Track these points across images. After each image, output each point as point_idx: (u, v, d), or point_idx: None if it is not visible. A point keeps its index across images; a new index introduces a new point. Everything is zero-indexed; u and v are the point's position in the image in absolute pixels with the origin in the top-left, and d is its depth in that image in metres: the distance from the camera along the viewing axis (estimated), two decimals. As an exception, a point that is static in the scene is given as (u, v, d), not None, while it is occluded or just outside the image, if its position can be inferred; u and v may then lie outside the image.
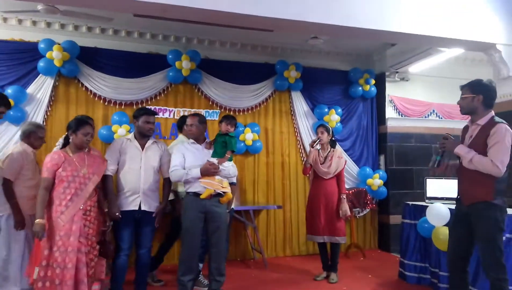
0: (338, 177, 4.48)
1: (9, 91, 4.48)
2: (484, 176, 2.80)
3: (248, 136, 5.47)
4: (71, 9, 4.21)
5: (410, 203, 4.55)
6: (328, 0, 3.87)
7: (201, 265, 4.12)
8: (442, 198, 4.33)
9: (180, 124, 4.38)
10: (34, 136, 3.52)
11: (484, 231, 2.80)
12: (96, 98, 5.05)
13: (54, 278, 2.86)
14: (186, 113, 5.29)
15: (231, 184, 3.77)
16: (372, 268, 5.01)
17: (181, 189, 3.98)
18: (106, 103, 5.09)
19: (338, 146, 4.76)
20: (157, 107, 5.19)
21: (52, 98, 4.88)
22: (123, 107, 5.14)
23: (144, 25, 5.14)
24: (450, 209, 3.71)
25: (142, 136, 3.62)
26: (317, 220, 4.41)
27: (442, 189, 4.47)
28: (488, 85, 2.94)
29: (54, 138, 3.87)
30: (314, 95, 5.95)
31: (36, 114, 4.73)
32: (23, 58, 4.74)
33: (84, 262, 2.97)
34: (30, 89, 4.72)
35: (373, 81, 6.07)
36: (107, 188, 3.44)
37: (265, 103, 5.79)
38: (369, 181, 5.84)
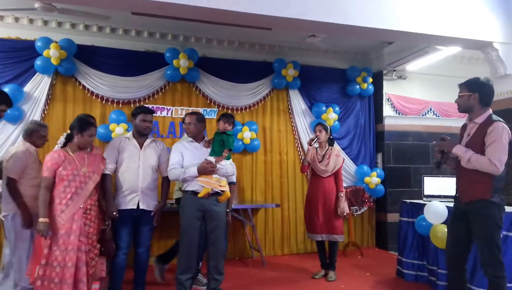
0: (336, 175, 4.49)
1: (6, 89, 4.42)
2: (482, 174, 2.81)
3: (246, 135, 5.46)
4: (68, 7, 4.19)
5: (408, 201, 4.57)
6: (327, -2, 3.88)
7: (200, 263, 4.12)
8: (439, 196, 4.33)
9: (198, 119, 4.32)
10: (36, 135, 3.51)
11: (482, 228, 2.81)
12: (94, 96, 5.04)
13: (53, 277, 2.85)
14: (184, 112, 5.30)
15: (230, 183, 3.78)
16: (370, 266, 5.03)
17: None
18: (103, 102, 5.07)
19: (336, 145, 4.77)
20: (154, 106, 5.18)
21: (50, 97, 4.86)
22: (120, 105, 5.12)
23: (141, 23, 5.12)
24: (447, 207, 3.73)
25: (140, 135, 3.61)
26: (315, 218, 4.42)
27: (439, 187, 4.48)
28: (485, 83, 2.95)
29: (51, 137, 3.84)
30: (312, 94, 5.95)
31: (34, 112, 4.71)
32: (20, 57, 4.72)
33: (84, 261, 2.97)
34: (27, 88, 4.70)
35: (370, 80, 6.08)
36: (105, 187, 3.43)
37: (263, 102, 5.79)
38: (367, 179, 5.86)
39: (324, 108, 5.85)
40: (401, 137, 6.15)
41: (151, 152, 3.61)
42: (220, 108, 5.53)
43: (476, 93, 2.91)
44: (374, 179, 5.85)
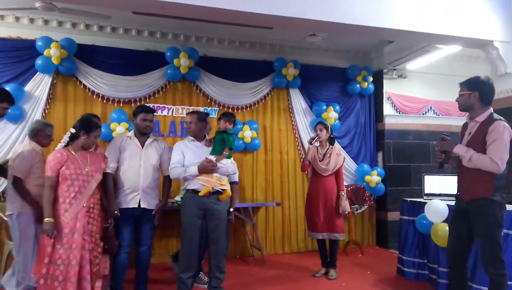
0: (337, 174, 4.49)
1: (6, 89, 4.46)
2: (483, 173, 2.81)
3: (247, 134, 5.47)
4: (68, 6, 4.19)
5: (408, 199, 4.58)
6: (327, -3, 3.88)
7: (201, 262, 4.13)
8: (440, 195, 4.35)
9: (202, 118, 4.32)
10: (42, 134, 3.51)
11: (483, 227, 2.82)
12: (94, 96, 5.04)
13: (57, 275, 2.86)
14: (184, 111, 5.31)
15: (233, 183, 3.78)
16: (371, 264, 5.04)
17: None
18: (104, 101, 5.08)
19: (336, 143, 4.78)
20: (155, 105, 5.18)
21: (50, 96, 4.87)
22: (121, 104, 5.13)
23: (142, 23, 5.12)
24: (448, 205, 3.73)
25: (142, 134, 3.62)
26: (316, 217, 4.43)
27: (440, 185, 4.49)
28: (485, 82, 2.95)
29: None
30: (312, 93, 5.95)
31: (34, 112, 4.71)
32: (21, 56, 4.71)
33: (88, 259, 2.99)
34: (28, 87, 4.70)
35: (371, 78, 6.08)
36: (107, 186, 3.43)
37: (263, 101, 5.79)
38: (367, 178, 5.87)
39: (324, 107, 5.85)
40: (401, 135, 6.16)
41: (152, 151, 3.62)
42: (221, 107, 5.53)
43: (476, 92, 2.92)
44: (374, 177, 5.86)
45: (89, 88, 5.00)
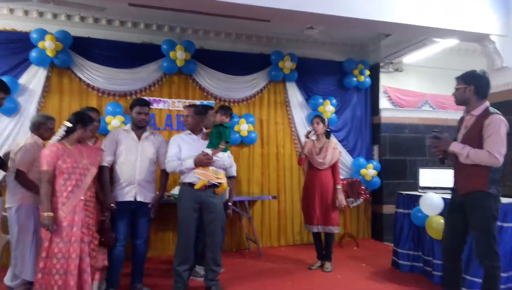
0: (333, 167, 4.50)
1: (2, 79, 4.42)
2: (479, 166, 2.83)
3: (243, 127, 5.47)
4: (63, -2, 4.16)
5: (404, 192, 4.60)
6: (325, -10, 3.87)
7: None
8: (435, 188, 4.38)
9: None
10: (44, 128, 3.50)
11: (479, 220, 2.85)
12: (90, 88, 5.01)
13: (58, 268, 2.86)
14: (181, 104, 5.29)
15: (231, 177, 3.78)
16: (366, 257, 5.08)
17: None
18: (99, 94, 5.05)
19: (333, 137, 4.79)
20: (151, 98, 5.16)
21: (45, 89, 4.83)
22: (117, 97, 5.11)
23: (137, 15, 5.08)
24: (443, 198, 3.76)
25: (138, 127, 3.61)
26: (311, 210, 4.44)
27: (434, 179, 4.52)
28: (481, 75, 2.96)
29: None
30: (309, 86, 5.95)
31: (29, 105, 4.68)
32: (15, 48, 4.67)
33: (87, 252, 3.00)
34: (22, 80, 4.66)
35: (367, 72, 6.08)
36: (103, 179, 3.43)
37: (260, 94, 5.78)
38: (363, 171, 5.89)
39: (321, 100, 5.85)
40: (397, 129, 6.18)
41: (149, 145, 3.62)
42: (217, 101, 5.51)
43: (472, 86, 2.93)
44: (370, 171, 5.88)
45: (84, 81, 4.97)
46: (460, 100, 3.03)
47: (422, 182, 4.57)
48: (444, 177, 4.31)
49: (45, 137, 3.53)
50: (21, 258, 3.29)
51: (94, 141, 3.64)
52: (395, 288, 3.88)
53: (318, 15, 3.90)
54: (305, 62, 5.88)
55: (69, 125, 3.09)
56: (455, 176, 3.05)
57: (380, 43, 6.05)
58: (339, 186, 4.45)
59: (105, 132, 4.44)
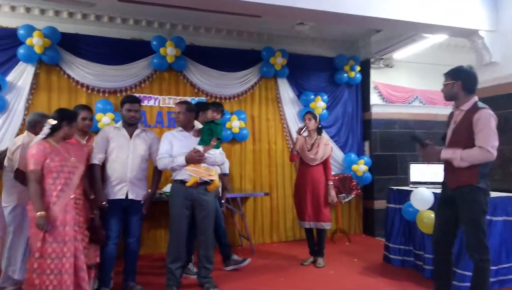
0: (325, 164, 4.51)
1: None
2: (469, 160, 2.86)
3: (235, 124, 5.45)
4: (51, -6, 4.09)
5: (395, 188, 4.64)
6: (316, -14, 3.86)
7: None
8: (425, 183, 4.41)
9: (196, 111, 4.28)
10: (40, 126, 3.43)
11: (468, 213, 2.88)
12: (79, 85, 4.95)
13: (52, 268, 2.83)
14: (172, 101, 5.26)
15: (224, 174, 3.76)
16: (358, 252, 5.11)
17: None
18: (89, 91, 4.99)
19: (324, 134, 4.80)
20: (141, 95, 5.11)
21: (34, 86, 4.75)
22: (106, 95, 5.05)
23: (127, 11, 5.02)
24: (433, 193, 3.80)
25: (129, 125, 3.59)
26: (303, 206, 4.46)
27: (425, 173, 4.56)
28: (467, 70, 2.99)
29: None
30: (300, 82, 5.95)
31: (17, 102, 4.60)
32: (2, 45, 4.58)
33: (82, 249, 2.98)
34: (10, 77, 4.58)
35: (358, 68, 6.10)
36: (94, 177, 3.40)
37: (251, 90, 5.76)
38: (354, 167, 5.92)
39: (312, 96, 5.86)
40: (388, 125, 6.21)
41: (140, 142, 3.59)
42: (208, 97, 5.49)
43: (459, 81, 2.96)
44: (361, 166, 5.91)
45: (73, 78, 4.91)
46: (449, 95, 3.06)
47: (413, 177, 4.60)
48: (434, 172, 4.34)
49: None
50: (14, 258, 3.26)
51: (87, 139, 3.60)
52: (387, 283, 3.92)
53: (309, 11, 3.88)
54: (296, 58, 5.87)
55: (54, 122, 3.01)
56: (445, 170, 3.08)
57: (371, 39, 6.07)
58: (331, 182, 4.47)
59: (96, 130, 4.39)
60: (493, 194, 3.33)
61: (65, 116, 3.07)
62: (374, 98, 6.19)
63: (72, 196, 2.99)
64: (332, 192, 4.44)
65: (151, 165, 3.74)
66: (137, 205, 3.54)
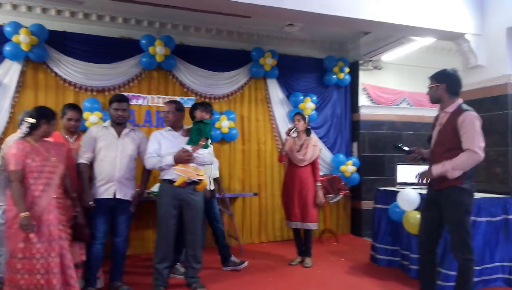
0: (313, 165, 4.54)
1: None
2: (454, 162, 2.90)
3: (224, 124, 5.45)
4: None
5: (382, 188, 4.68)
6: (305, -13, 3.88)
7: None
8: (412, 184, 4.44)
9: (192, 111, 4.27)
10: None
11: (453, 214, 2.93)
12: (67, 84, 4.89)
13: (38, 268, 2.79)
14: (160, 100, 5.23)
15: (215, 179, 3.75)
16: (345, 252, 5.15)
17: None
18: (77, 89, 4.94)
19: (313, 134, 4.83)
20: (130, 94, 5.08)
21: (20, 84, 4.69)
22: (94, 93, 5.01)
23: (116, 9, 4.99)
24: (419, 194, 3.84)
25: (117, 124, 3.56)
26: (291, 207, 4.48)
27: (411, 175, 4.58)
28: (451, 73, 3.05)
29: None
30: (289, 83, 5.97)
31: (3, 101, 4.53)
32: (-12, 42, 4.53)
33: (67, 248, 2.95)
34: (-5, 75, 4.52)
35: (347, 69, 6.14)
36: (82, 176, 3.38)
37: (241, 91, 5.77)
38: (342, 167, 5.96)
39: (301, 97, 5.88)
40: (376, 126, 6.26)
41: (129, 141, 3.57)
42: (198, 97, 5.48)
43: (443, 84, 3.02)
44: (349, 167, 5.95)
45: (61, 76, 4.85)
46: (434, 98, 3.11)
47: (400, 178, 4.65)
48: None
49: None
50: (3, 257, 3.22)
51: (75, 138, 3.57)
52: (373, 282, 3.96)
53: (297, 12, 3.89)
54: (286, 59, 5.89)
55: (32, 121, 2.94)
56: (430, 170, 3.12)
57: (360, 41, 6.12)
58: (319, 183, 4.49)
59: (83, 129, 4.35)
60: (477, 195, 3.39)
61: (44, 114, 3.00)
62: (362, 100, 6.24)
63: (54, 195, 2.95)
64: (320, 193, 4.47)
65: (140, 165, 3.71)
66: (125, 204, 3.52)
